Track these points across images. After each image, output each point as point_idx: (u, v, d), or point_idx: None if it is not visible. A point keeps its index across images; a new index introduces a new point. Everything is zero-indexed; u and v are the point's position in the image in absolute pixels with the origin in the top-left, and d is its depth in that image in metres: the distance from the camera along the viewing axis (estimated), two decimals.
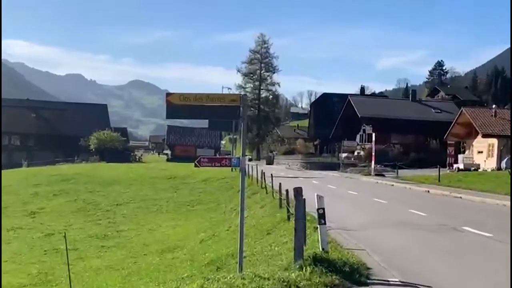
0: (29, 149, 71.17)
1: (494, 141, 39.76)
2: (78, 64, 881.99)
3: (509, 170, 28.00)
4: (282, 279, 7.07)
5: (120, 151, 67.01)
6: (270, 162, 75.14)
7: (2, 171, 41.54)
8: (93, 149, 66.11)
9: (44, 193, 35.33)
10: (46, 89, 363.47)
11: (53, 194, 34.97)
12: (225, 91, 69.73)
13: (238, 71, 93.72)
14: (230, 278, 7.45)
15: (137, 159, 73.44)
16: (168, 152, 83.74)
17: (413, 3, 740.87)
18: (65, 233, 14.77)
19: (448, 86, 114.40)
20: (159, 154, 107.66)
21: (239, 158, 8.78)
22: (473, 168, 38.35)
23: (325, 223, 9.01)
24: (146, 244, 20.93)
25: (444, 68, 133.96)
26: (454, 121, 44.60)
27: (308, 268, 7.45)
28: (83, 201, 32.95)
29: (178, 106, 8.72)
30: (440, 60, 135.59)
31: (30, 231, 24.59)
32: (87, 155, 65.86)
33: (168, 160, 73.85)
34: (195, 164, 8.97)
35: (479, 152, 41.28)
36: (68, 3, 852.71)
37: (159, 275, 14.66)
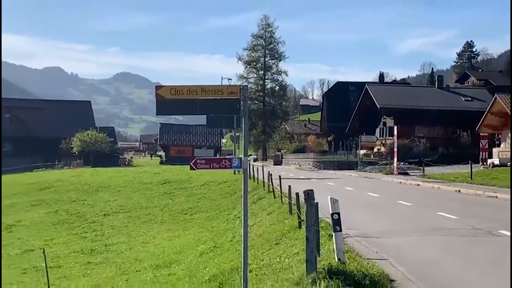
0: (3, 154, 71.43)
1: None
2: (56, 56, 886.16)
3: None
4: None
5: (107, 154, 67.14)
6: (278, 162, 75.37)
7: None
8: (76, 153, 66.26)
9: (21, 204, 35.37)
10: (21, 85, 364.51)
11: (31, 205, 35.00)
12: (225, 83, 69.99)
13: (239, 59, 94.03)
14: None
15: (127, 163, 73.65)
16: (162, 153, 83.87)
17: None
18: (44, 249, 14.77)
19: (480, 70, 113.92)
20: (151, 156, 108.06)
21: (240, 158, 8.78)
22: (510, 164, 38.13)
23: (340, 230, 9.02)
24: (139, 259, 20.93)
25: (474, 49, 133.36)
26: (487, 110, 44.33)
27: (322, 282, 7.45)
28: (66, 212, 32.96)
29: (170, 101, 8.73)
30: (469, 41, 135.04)
31: (6, 247, 24.59)
32: (69, 160, 65.94)
33: (161, 162, 73.97)
34: (190, 166, 8.97)
35: None
36: None
37: None
